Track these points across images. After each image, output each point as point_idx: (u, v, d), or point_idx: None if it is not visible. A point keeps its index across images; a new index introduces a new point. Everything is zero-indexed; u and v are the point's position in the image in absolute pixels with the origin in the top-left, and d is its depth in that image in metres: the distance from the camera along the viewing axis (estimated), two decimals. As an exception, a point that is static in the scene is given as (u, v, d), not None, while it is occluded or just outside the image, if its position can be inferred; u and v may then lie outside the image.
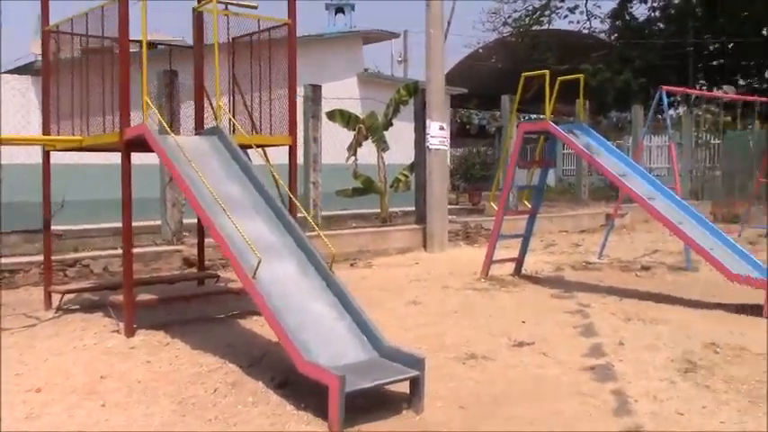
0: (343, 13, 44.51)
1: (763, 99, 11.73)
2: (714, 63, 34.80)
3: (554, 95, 8.06)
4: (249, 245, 4.44)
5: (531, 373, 4.72)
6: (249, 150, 6.03)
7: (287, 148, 6.27)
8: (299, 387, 4.13)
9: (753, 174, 15.73)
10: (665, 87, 9.27)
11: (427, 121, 10.33)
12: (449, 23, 14.72)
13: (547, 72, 7.58)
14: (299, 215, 5.73)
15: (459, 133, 51.66)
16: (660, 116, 9.57)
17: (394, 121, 12.20)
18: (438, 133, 10.31)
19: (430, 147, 10.37)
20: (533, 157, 9.40)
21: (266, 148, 6.33)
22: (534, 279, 8.43)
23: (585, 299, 7.02)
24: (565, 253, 10.71)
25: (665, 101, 9.24)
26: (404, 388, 4.05)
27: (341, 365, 3.97)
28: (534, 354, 5.16)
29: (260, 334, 5.52)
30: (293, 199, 5.97)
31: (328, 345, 4.22)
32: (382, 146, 11.93)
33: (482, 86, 31.93)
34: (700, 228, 6.99)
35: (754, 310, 6.27)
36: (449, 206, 15.09)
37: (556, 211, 14.39)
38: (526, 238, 8.49)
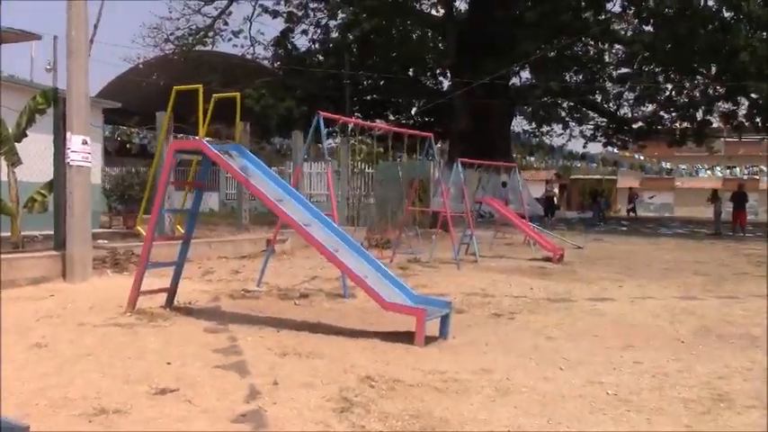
0: (-9, 12, 39.56)
1: (411, 132, 12.46)
2: (368, 98, 37.40)
3: (209, 113, 7.54)
4: None
5: (172, 429, 4.03)
6: None
7: None
8: None
9: (402, 202, 16.81)
10: (322, 113, 9.26)
11: (68, 134, 9.07)
12: (95, 27, 13.38)
13: (200, 87, 7.03)
14: None
15: (120, 152, 48.71)
16: (319, 143, 9.56)
17: (32, 132, 10.63)
18: (80, 148, 9.10)
19: (71, 163, 9.12)
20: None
21: None
22: (187, 311, 7.70)
23: (241, 332, 6.50)
24: (223, 281, 10.14)
25: (322, 127, 9.22)
26: None
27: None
28: (178, 402, 4.46)
29: None
30: None
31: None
32: (12, 159, 10.27)
33: (144, 104, 30.38)
34: (355, 255, 6.90)
35: (407, 337, 6.28)
36: (102, 229, 13.68)
37: (215, 236, 13.81)
38: (179, 265, 7.74)
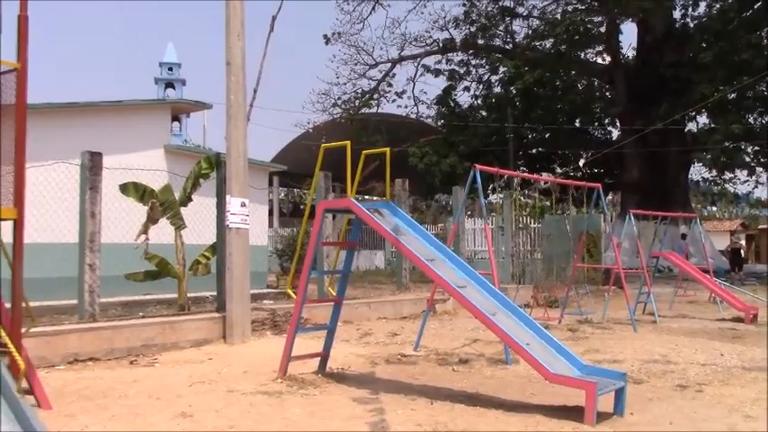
0: (174, 88, 43.08)
1: (577, 183, 11.67)
2: (533, 151, 36.51)
3: (358, 171, 7.31)
4: None
5: None
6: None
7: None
8: None
9: (570, 257, 15.83)
10: (478, 166, 8.79)
11: (227, 197, 9.20)
12: (255, 91, 13.84)
13: (348, 143, 6.82)
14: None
15: (294, 213, 50.73)
16: (475, 198, 9.09)
17: (196, 197, 10.98)
18: (239, 210, 9.19)
19: (230, 225, 9.22)
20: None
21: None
22: (340, 377, 7.37)
23: (392, 403, 6.02)
24: (380, 344, 9.78)
25: (479, 180, 8.73)
26: None
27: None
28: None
29: None
30: (18, 284, 4.60)
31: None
32: (178, 223, 10.59)
33: (313, 167, 31.45)
34: (515, 319, 6.27)
35: (576, 413, 5.52)
36: (269, 289, 13.86)
37: (377, 296, 13.57)
38: (330, 329, 7.46)
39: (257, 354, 8.72)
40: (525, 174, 10.41)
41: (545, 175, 33.16)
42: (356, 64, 36.77)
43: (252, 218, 9.81)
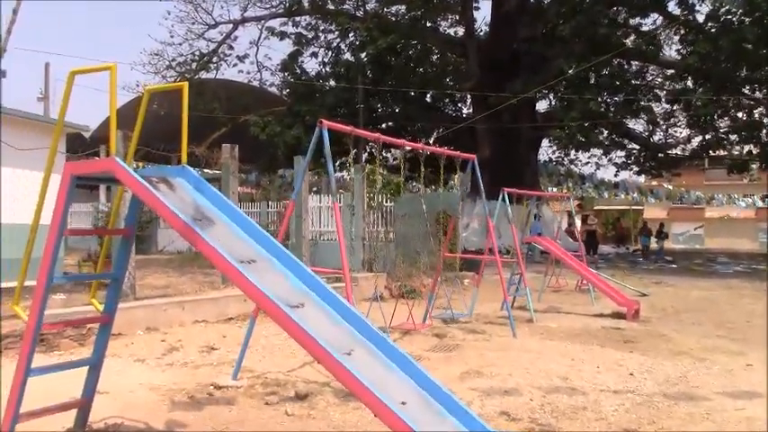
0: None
1: (450, 153, 9.47)
2: (383, 125, 34.45)
3: (140, 115, 4.70)
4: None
5: None
6: None
7: None
8: None
9: (429, 241, 13.80)
10: (325, 122, 6.34)
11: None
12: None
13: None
14: None
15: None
16: (322, 159, 6.62)
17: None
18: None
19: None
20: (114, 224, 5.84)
21: None
22: (107, 440, 4.74)
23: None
24: (189, 365, 7.14)
25: (327, 142, 6.30)
26: None
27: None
28: None
29: None
30: None
31: None
32: None
33: (145, 133, 27.77)
34: (380, 358, 3.91)
35: None
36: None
37: (191, 293, 10.76)
38: (93, 365, 4.78)
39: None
40: (389, 138, 8.07)
41: (400, 151, 31.30)
42: (193, 23, 33.03)
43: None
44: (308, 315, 3.88)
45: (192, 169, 4.56)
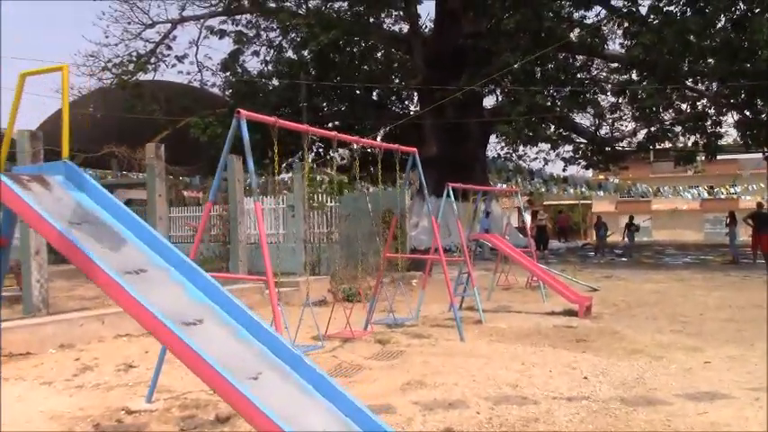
0: None
1: (390, 146, 8.91)
2: (329, 124, 33.75)
3: (15, 103, 4.01)
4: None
5: None
6: None
7: None
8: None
9: (372, 241, 13.24)
10: (243, 112, 5.72)
11: None
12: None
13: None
14: None
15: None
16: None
17: None
18: None
19: None
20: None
21: None
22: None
23: None
24: (102, 386, 6.41)
25: (246, 135, 5.69)
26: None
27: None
28: None
29: None
30: None
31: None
32: None
33: (86, 139, 26.70)
34: (298, 382, 3.31)
35: None
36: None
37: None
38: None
39: None
40: (329, 132, 7.50)
41: (343, 151, 30.67)
42: (129, 23, 31.87)
43: None
44: (205, 333, 3.27)
45: (74, 165, 3.90)
